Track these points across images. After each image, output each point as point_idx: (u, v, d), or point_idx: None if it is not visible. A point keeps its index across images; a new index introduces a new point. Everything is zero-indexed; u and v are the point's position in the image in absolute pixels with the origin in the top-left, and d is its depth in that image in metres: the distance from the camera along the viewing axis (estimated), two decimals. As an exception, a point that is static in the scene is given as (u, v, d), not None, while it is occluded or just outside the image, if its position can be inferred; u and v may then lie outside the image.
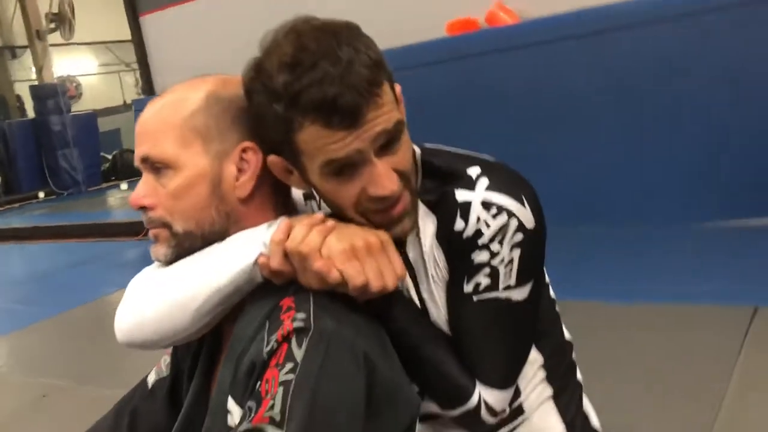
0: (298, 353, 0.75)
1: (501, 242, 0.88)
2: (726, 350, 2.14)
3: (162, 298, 0.89)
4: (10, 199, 10.38)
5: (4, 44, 13.34)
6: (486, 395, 0.92)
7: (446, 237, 0.91)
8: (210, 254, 0.88)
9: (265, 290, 0.85)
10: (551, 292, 1.05)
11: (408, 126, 0.87)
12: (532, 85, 3.88)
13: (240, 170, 0.87)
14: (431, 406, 1.03)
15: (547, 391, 1.03)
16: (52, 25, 10.42)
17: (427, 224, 0.93)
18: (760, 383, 1.97)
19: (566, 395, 1.05)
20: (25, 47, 12.68)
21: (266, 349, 0.77)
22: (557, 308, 1.06)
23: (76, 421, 1.13)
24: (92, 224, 7.02)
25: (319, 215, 0.84)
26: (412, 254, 0.95)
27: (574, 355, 1.09)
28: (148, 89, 5.98)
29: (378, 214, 0.86)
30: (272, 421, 0.71)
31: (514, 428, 1.02)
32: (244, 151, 0.87)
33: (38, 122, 10.88)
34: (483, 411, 0.92)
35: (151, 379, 1.09)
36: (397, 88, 0.87)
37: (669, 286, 2.78)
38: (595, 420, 1.10)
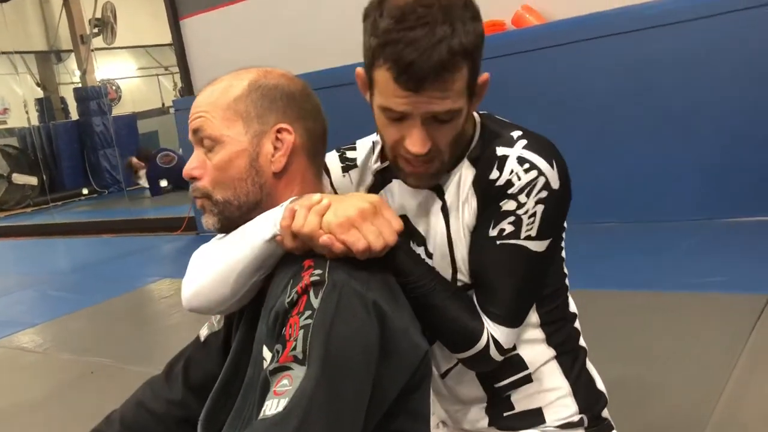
0: (315, 302, 0.86)
1: (528, 195, 0.99)
2: (736, 335, 2.20)
3: (209, 270, 1.01)
4: (54, 197, 10.73)
5: (50, 49, 13.77)
6: (495, 331, 1.02)
7: (481, 185, 1.03)
8: (238, 232, 1.00)
9: (293, 255, 0.96)
10: (564, 267, 1.15)
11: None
12: (556, 85, 3.97)
13: (275, 148, 1.00)
14: (442, 362, 1.15)
15: (549, 352, 1.13)
16: (95, 30, 10.72)
17: (468, 175, 1.05)
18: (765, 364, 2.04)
19: (569, 356, 1.14)
20: (69, 51, 13.09)
21: (287, 300, 0.87)
22: (566, 281, 1.16)
23: (121, 395, 1.25)
24: (133, 219, 7.27)
25: (317, 196, 0.95)
26: (449, 199, 1.07)
27: (577, 324, 1.18)
28: (188, 91, 6.16)
29: (406, 162, 1.00)
30: (296, 359, 0.82)
31: (519, 382, 1.12)
32: (279, 131, 1.00)
33: (81, 123, 11.24)
34: (492, 349, 1.02)
35: (203, 333, 1.21)
36: (482, 78, 0.98)
37: (685, 278, 2.84)
38: (600, 384, 1.19)
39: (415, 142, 0.95)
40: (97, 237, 7.08)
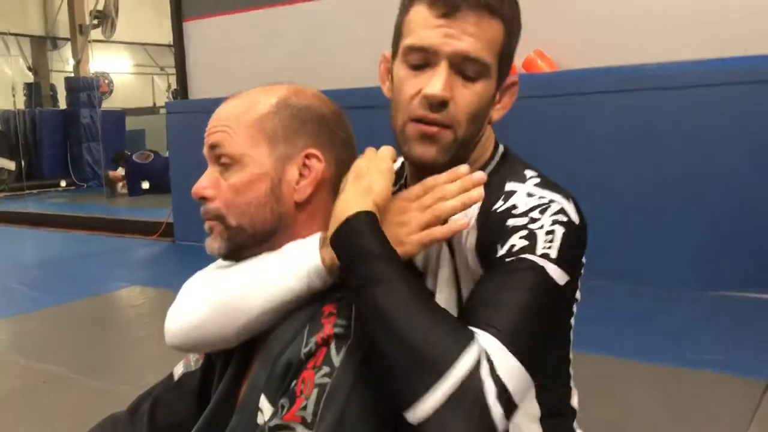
0: (336, 359, 0.76)
1: (542, 212, 0.84)
2: (734, 423, 2.10)
3: (213, 304, 0.89)
4: (31, 185, 10.48)
5: (47, 34, 13.61)
6: (490, 347, 0.72)
7: (482, 215, 0.89)
8: (265, 264, 0.88)
9: (308, 298, 0.86)
10: (571, 351, 0.97)
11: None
12: (559, 134, 3.89)
13: (301, 175, 0.89)
14: None
15: None
16: (95, 22, 10.62)
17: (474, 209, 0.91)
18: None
19: None
20: (66, 39, 12.95)
21: (304, 350, 0.78)
22: (570, 369, 0.98)
23: (72, 412, 1.10)
24: (109, 219, 7.06)
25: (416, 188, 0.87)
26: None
27: (576, 425, 1.00)
28: (183, 93, 6.04)
29: (416, 124, 0.89)
30: (304, 421, 0.73)
31: None
32: (307, 157, 0.89)
33: (69, 113, 11.08)
34: (485, 372, 0.70)
35: (178, 371, 1.09)
36: (511, 78, 0.92)
37: (680, 351, 2.74)
38: None
39: (438, 82, 0.86)
40: (69, 232, 6.85)
